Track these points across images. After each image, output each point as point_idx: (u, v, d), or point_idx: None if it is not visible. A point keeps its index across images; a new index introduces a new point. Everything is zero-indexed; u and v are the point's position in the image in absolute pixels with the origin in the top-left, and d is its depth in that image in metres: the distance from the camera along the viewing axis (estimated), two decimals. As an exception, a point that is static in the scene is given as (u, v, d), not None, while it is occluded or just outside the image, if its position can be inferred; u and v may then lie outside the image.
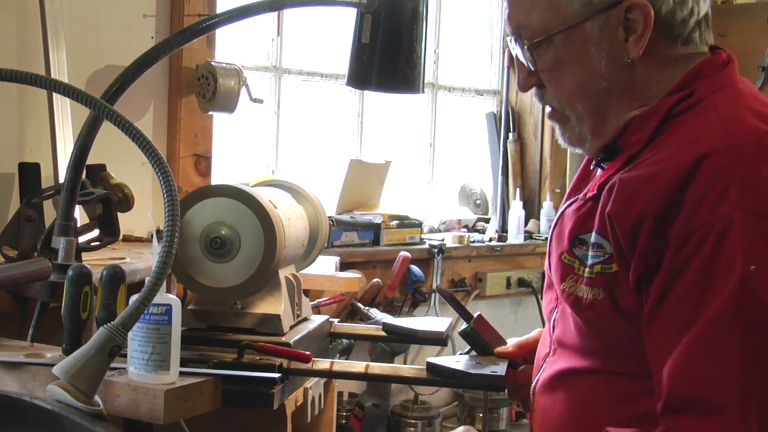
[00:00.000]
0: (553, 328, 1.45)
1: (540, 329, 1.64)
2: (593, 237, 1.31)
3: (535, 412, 1.47)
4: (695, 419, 1.17)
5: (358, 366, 1.63)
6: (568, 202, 1.44)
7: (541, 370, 1.47)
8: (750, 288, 1.16)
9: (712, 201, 1.18)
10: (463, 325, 1.69)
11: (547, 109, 1.44)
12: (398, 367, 1.69)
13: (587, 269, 1.32)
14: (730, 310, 1.16)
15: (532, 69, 1.39)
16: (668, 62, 1.35)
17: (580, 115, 1.38)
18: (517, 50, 1.40)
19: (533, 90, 1.43)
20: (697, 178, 1.20)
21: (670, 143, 1.27)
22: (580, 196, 1.39)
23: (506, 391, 1.61)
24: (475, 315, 1.68)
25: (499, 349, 1.66)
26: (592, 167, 1.46)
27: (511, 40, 1.41)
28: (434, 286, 1.72)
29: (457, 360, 1.61)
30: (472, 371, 1.57)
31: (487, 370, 1.57)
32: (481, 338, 1.67)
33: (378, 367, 1.62)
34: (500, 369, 1.58)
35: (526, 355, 1.65)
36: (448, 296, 1.68)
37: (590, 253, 1.32)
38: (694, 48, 1.36)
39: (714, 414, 1.15)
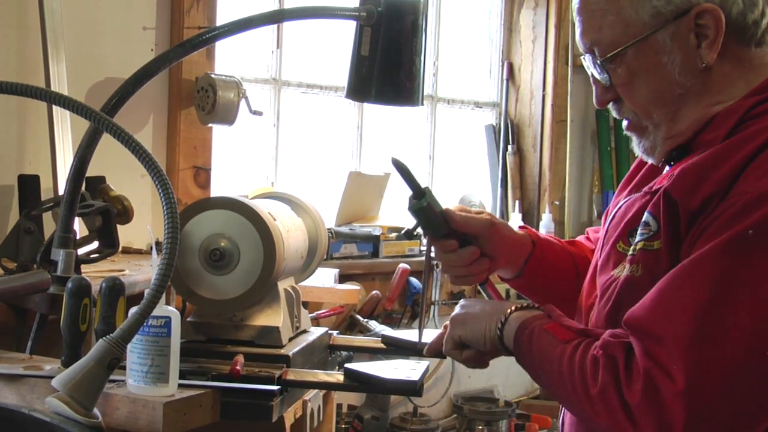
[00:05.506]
0: (590, 319, 1.46)
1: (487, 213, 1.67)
2: (644, 216, 1.33)
3: None
4: (647, 340, 1.21)
5: (277, 372, 1.58)
6: (630, 197, 1.45)
7: None
8: (739, 245, 1.18)
9: (757, 175, 1.22)
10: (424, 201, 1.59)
11: (624, 122, 1.45)
12: (316, 373, 1.66)
13: (632, 247, 1.34)
14: (712, 256, 1.19)
15: (608, 84, 1.41)
16: (743, 65, 1.36)
17: (656, 123, 1.40)
18: (591, 67, 1.42)
19: (611, 105, 1.44)
20: (756, 159, 1.24)
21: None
22: (645, 189, 1.40)
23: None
24: (426, 188, 1.60)
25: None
26: (660, 165, 1.47)
27: (585, 58, 1.43)
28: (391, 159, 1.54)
29: (373, 365, 1.62)
30: (387, 377, 1.58)
31: (401, 376, 1.58)
32: (433, 215, 1.59)
33: (293, 373, 1.61)
34: (414, 374, 1.59)
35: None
36: (401, 167, 1.59)
37: (639, 231, 1.33)
38: None
39: (658, 342, 1.19)
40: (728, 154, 1.27)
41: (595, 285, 1.47)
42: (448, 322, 1.55)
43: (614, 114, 1.46)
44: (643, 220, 1.33)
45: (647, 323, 1.22)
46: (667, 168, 1.44)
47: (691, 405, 1.15)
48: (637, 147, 1.46)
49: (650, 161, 1.46)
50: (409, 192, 1.62)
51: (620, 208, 1.45)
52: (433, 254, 1.68)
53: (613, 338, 1.26)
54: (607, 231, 1.46)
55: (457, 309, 1.53)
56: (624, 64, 1.37)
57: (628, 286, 1.33)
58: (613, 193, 1.75)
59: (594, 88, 1.45)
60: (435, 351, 1.62)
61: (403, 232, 1.74)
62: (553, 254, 1.72)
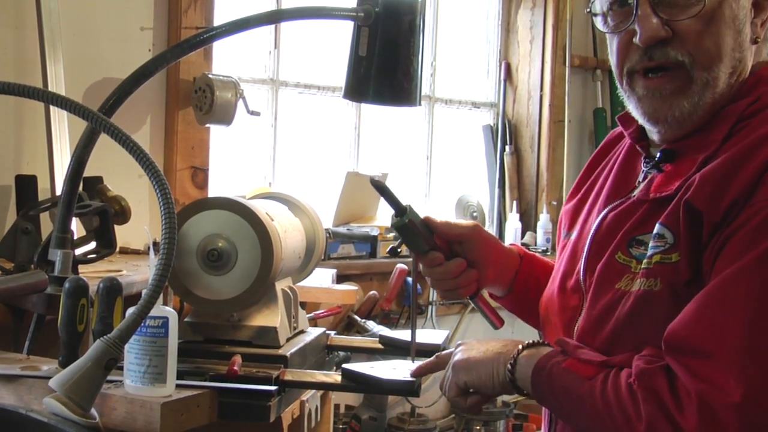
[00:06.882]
0: (574, 333, 1.42)
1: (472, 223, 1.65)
2: (656, 228, 1.30)
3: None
4: (692, 360, 1.18)
5: (274, 372, 1.58)
6: (613, 206, 1.42)
7: None
8: None
9: None
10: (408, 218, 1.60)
11: (662, 79, 1.36)
12: (313, 373, 1.66)
13: (645, 260, 1.31)
14: (753, 268, 1.17)
15: (664, 18, 1.32)
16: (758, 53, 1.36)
17: (706, 80, 1.33)
18: None
19: (636, 56, 1.36)
20: None
21: (746, 137, 1.28)
22: (635, 197, 1.38)
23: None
24: (407, 206, 1.61)
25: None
26: (644, 168, 1.43)
27: None
28: (371, 179, 1.58)
29: (371, 366, 1.62)
30: (384, 377, 1.58)
31: (399, 376, 1.58)
32: (416, 231, 1.59)
33: (291, 373, 1.61)
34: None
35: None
36: (380, 187, 1.60)
37: (651, 244, 1.30)
38: None
39: (707, 359, 1.16)
40: (746, 157, 1.25)
41: (569, 297, 1.44)
42: (449, 369, 1.50)
43: (644, 60, 1.35)
44: (655, 232, 1.30)
45: (693, 340, 1.19)
46: (644, 170, 1.41)
47: (745, 416, 1.13)
48: (662, 115, 1.35)
49: (670, 132, 1.37)
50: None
51: (606, 218, 1.41)
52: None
53: (647, 364, 1.23)
54: (591, 243, 1.42)
55: (457, 355, 1.48)
56: (708, 4, 1.30)
57: (646, 300, 1.29)
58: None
59: (640, 26, 1.33)
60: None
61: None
62: (543, 268, 1.70)
